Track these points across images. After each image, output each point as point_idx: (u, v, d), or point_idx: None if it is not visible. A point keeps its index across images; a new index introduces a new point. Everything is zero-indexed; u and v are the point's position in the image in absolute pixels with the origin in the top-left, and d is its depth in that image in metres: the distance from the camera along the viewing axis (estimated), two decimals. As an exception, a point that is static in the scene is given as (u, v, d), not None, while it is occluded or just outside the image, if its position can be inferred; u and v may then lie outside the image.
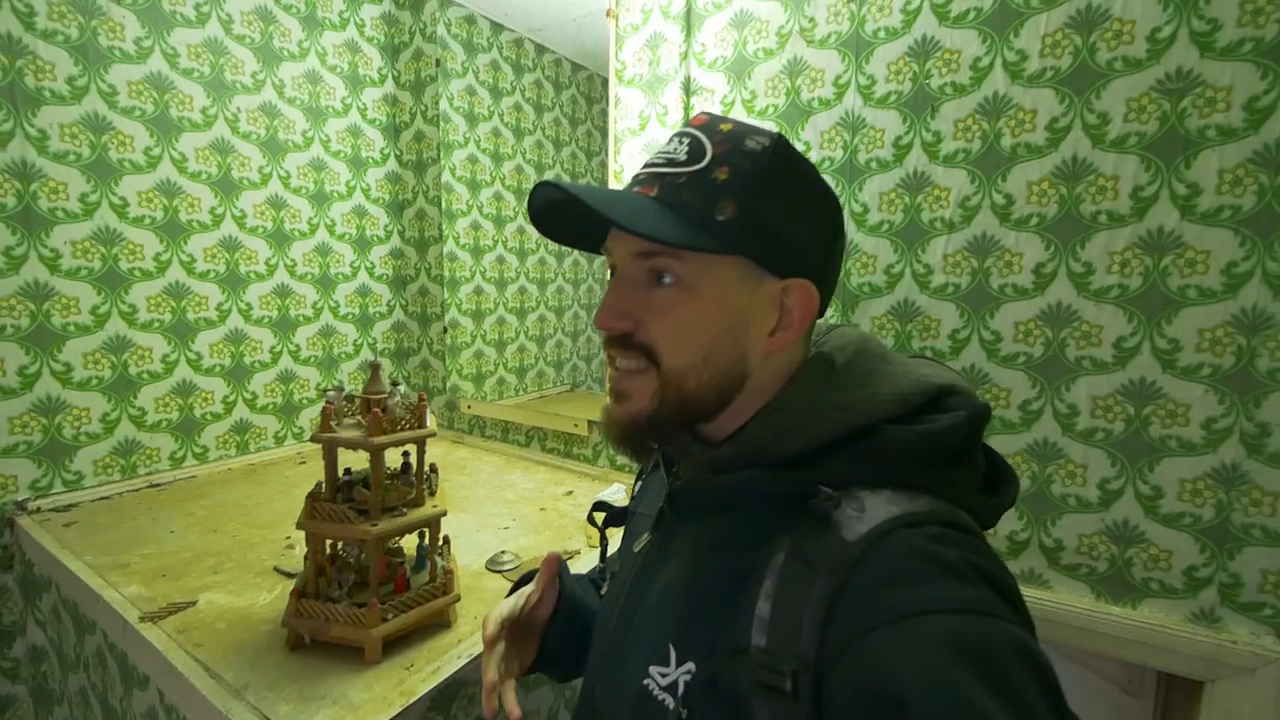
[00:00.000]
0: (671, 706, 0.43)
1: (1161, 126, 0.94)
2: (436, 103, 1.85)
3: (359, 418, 0.89)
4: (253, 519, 1.26)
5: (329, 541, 0.93)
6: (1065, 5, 0.98)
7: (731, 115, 1.31)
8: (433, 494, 0.95)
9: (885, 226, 1.17)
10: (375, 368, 0.90)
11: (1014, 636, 0.34)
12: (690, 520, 0.52)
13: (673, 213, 0.45)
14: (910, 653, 0.33)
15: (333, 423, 0.86)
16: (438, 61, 1.82)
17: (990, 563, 0.39)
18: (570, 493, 1.47)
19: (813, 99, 1.22)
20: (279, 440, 1.71)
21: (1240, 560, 0.94)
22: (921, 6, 1.10)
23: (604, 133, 2.21)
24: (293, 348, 1.73)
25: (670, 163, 0.47)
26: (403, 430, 0.87)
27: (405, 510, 0.88)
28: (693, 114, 1.36)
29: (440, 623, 0.91)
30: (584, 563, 1.11)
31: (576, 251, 2.17)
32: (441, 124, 1.85)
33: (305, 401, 1.77)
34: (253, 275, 1.63)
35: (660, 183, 0.47)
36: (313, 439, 0.85)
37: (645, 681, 0.46)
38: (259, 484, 1.47)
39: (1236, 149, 0.90)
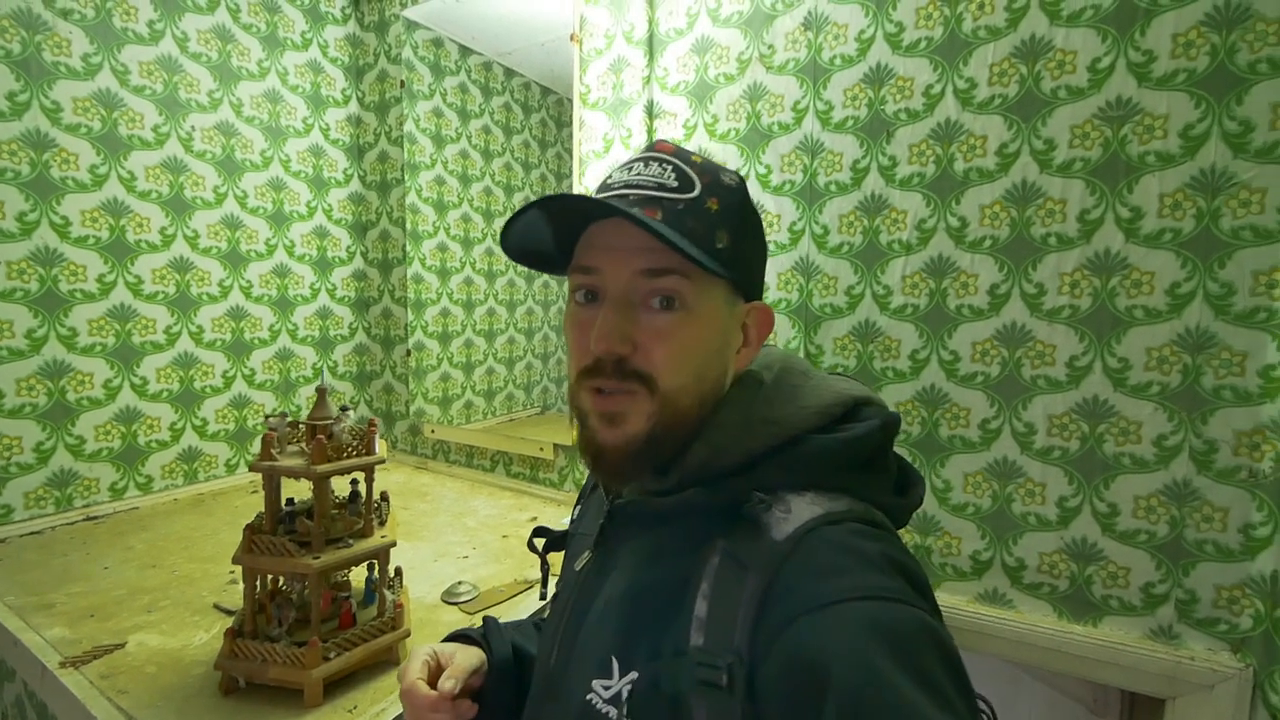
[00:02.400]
0: (614, 717, 0.44)
1: (1104, 152, 0.97)
2: (401, 124, 1.83)
3: (303, 445, 0.85)
4: (195, 552, 1.20)
5: (269, 576, 0.88)
6: (1010, 36, 1.02)
7: (694, 139, 1.33)
8: (382, 524, 0.91)
9: (845, 248, 1.18)
10: (321, 392, 0.87)
11: (923, 621, 0.38)
12: (629, 535, 0.54)
13: (682, 238, 0.45)
14: (833, 635, 0.37)
15: (274, 450, 0.82)
16: (402, 83, 1.81)
17: (904, 556, 0.43)
18: (534, 518, 1.43)
19: (773, 123, 1.23)
20: (230, 468, 1.64)
21: (1195, 576, 0.95)
22: (875, 35, 1.12)
23: (573, 155, 2.23)
24: (247, 372, 1.67)
25: (661, 187, 0.48)
26: (349, 457, 0.83)
27: (351, 541, 0.84)
28: (655, 137, 1.37)
29: (388, 660, 0.86)
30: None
31: (546, 274, 2.15)
32: (407, 145, 1.83)
33: (259, 428, 1.70)
34: (205, 297, 1.57)
35: (662, 207, 0.47)
36: (252, 468, 0.81)
37: (588, 697, 0.46)
38: (206, 515, 1.40)
39: (1175, 174, 0.93)
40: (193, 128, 1.52)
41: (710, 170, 0.50)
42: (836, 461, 0.47)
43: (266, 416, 0.84)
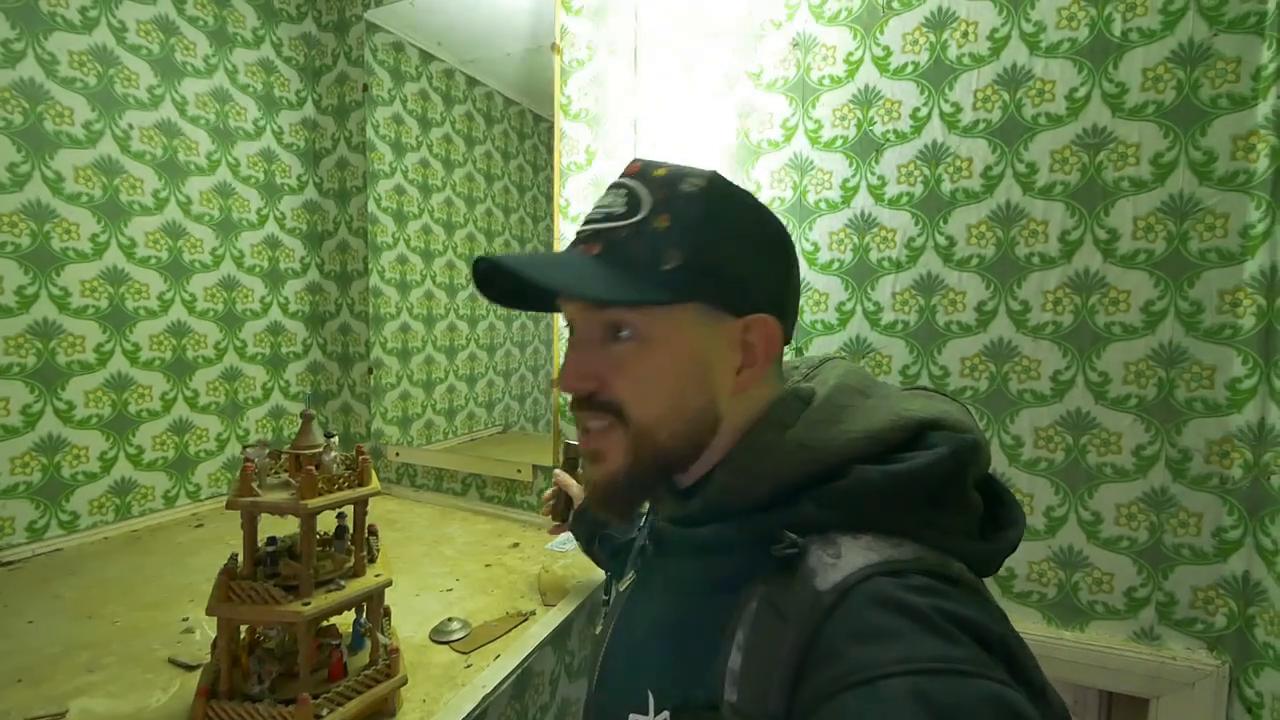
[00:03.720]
0: None
1: (1083, 177, 1.02)
2: (362, 129, 1.74)
3: (286, 476, 0.77)
4: (138, 599, 1.07)
5: (243, 627, 0.78)
6: (994, 64, 1.06)
7: (685, 164, 1.32)
8: (373, 560, 0.83)
9: (836, 265, 1.19)
10: (307, 419, 0.79)
11: (989, 694, 0.31)
12: (669, 558, 0.52)
13: (618, 269, 0.44)
14: (881, 717, 0.31)
15: (255, 484, 0.73)
16: (365, 86, 1.72)
17: (978, 613, 0.36)
18: (516, 544, 1.37)
19: (762, 140, 1.24)
20: (169, 500, 1.48)
21: (1173, 579, 1.00)
22: (863, 58, 1.15)
23: (536, 168, 2.18)
24: (189, 393, 1.52)
25: (609, 217, 0.47)
26: (341, 489, 0.76)
27: (343, 583, 0.76)
28: (639, 152, 1.35)
29: (384, 712, 0.78)
30: (541, 626, 1.02)
31: (509, 286, 2.09)
32: (368, 152, 1.74)
33: (203, 455, 1.55)
34: (142, 311, 1.42)
35: (601, 240, 0.46)
36: (230, 505, 0.72)
37: None
38: (145, 554, 1.25)
39: (1147, 199, 0.99)
40: (130, 125, 1.38)
41: (669, 182, 0.46)
42: (888, 499, 0.40)
43: (245, 446, 0.75)
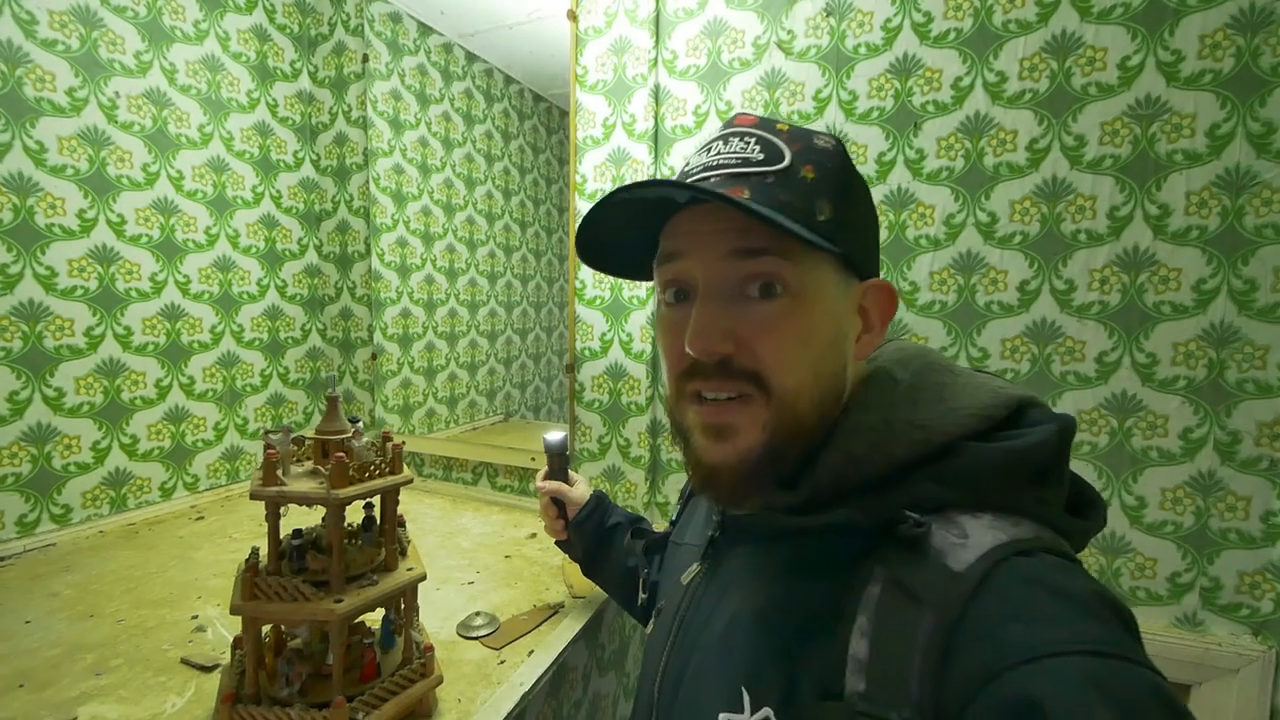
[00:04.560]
0: None
1: (1134, 150, 0.99)
2: (362, 104, 1.65)
3: (314, 463, 0.71)
4: (143, 595, 1.00)
5: (268, 626, 0.73)
6: (1041, 30, 1.02)
7: (705, 127, 1.26)
8: (404, 554, 0.78)
9: (871, 243, 1.15)
10: (333, 401, 0.73)
11: (1159, 688, 0.30)
12: (747, 548, 0.49)
13: (775, 210, 0.40)
14: (1057, 697, 0.29)
15: (279, 472, 0.68)
16: (365, 57, 1.64)
17: (1114, 596, 0.35)
18: (533, 535, 1.32)
19: (793, 112, 1.19)
20: (167, 493, 1.41)
21: (1219, 564, 0.98)
22: (902, 25, 1.10)
23: (536, 150, 2.11)
24: (184, 380, 1.45)
25: (746, 162, 0.43)
26: (372, 478, 0.70)
27: (376, 578, 0.71)
28: (664, 123, 1.29)
29: (419, 713, 0.74)
30: (572, 620, 0.97)
31: (510, 273, 2.04)
32: (367, 128, 1.65)
33: (200, 444, 1.48)
34: (134, 294, 1.34)
35: (748, 183, 0.42)
36: (254, 495, 0.66)
37: None
38: (146, 549, 1.18)
39: (1201, 173, 0.95)
40: (116, 93, 1.29)
41: (801, 136, 0.44)
42: (1005, 476, 0.40)
43: (266, 431, 0.69)
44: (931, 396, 0.44)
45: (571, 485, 0.92)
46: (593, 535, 0.88)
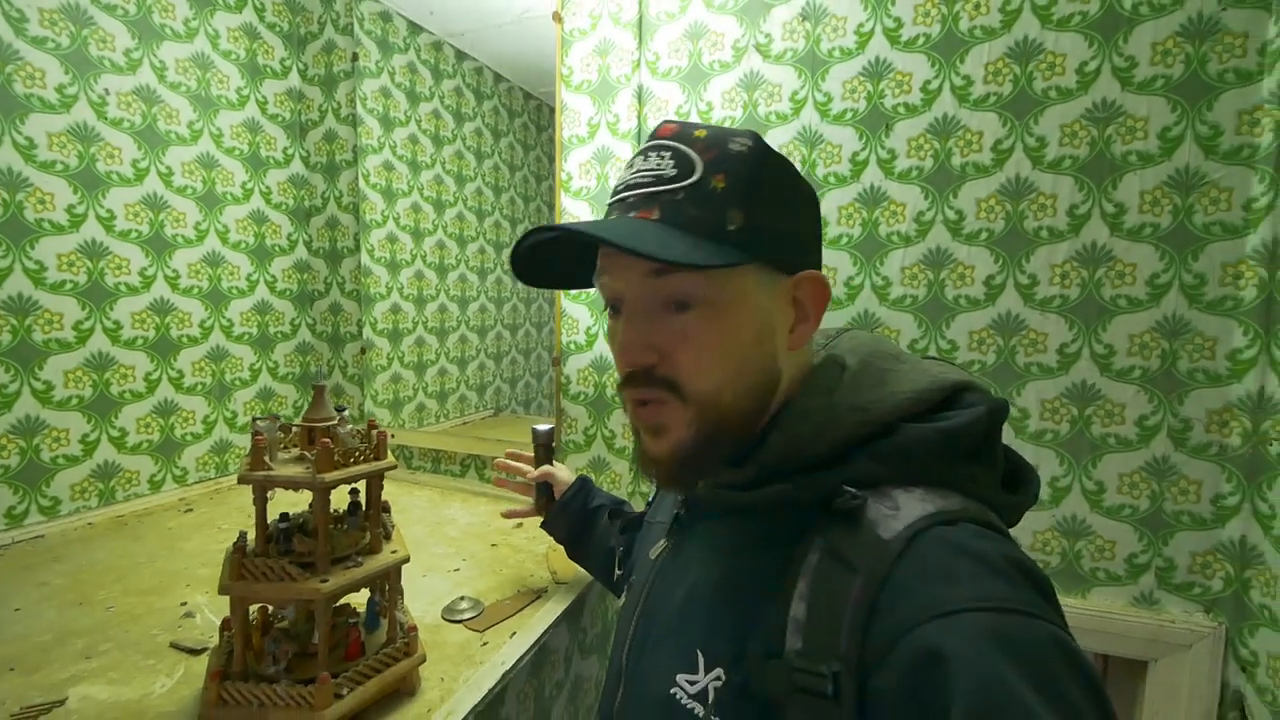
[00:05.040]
0: (701, 715, 0.42)
1: (1091, 151, 1.03)
2: (351, 101, 1.68)
3: (300, 450, 0.74)
4: (132, 584, 1.02)
5: (254, 606, 0.76)
6: (1005, 37, 1.06)
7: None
8: (388, 538, 0.81)
9: (845, 239, 1.19)
10: (320, 390, 0.76)
11: (1057, 637, 0.33)
12: (709, 521, 0.52)
13: (684, 233, 0.44)
14: (959, 647, 0.33)
15: (266, 458, 0.70)
16: (355, 55, 1.66)
17: (1028, 560, 0.39)
18: (520, 525, 1.35)
19: (770, 113, 1.23)
20: (156, 485, 1.43)
21: (1173, 545, 1.03)
22: (874, 30, 1.14)
23: (526, 146, 2.14)
24: (174, 374, 1.46)
25: (659, 180, 0.46)
26: (357, 463, 0.73)
27: (360, 559, 0.74)
28: (655, 125, 1.33)
29: (403, 690, 0.77)
30: (554, 603, 1.01)
31: (500, 268, 2.06)
32: (357, 125, 1.68)
33: (189, 438, 1.50)
34: (123, 288, 1.36)
35: (658, 202, 0.45)
36: (241, 479, 0.69)
37: (673, 690, 0.44)
38: (134, 539, 1.20)
39: (1154, 173, 1.00)
40: (106, 90, 1.31)
41: (716, 143, 0.46)
42: (937, 453, 0.42)
43: (254, 419, 0.72)
44: (874, 381, 0.47)
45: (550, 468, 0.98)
46: (577, 516, 0.93)
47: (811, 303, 0.48)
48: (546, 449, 0.99)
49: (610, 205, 0.49)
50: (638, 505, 1.40)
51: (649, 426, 0.48)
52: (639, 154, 0.48)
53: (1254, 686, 0.95)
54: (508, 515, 1.04)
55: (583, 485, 0.96)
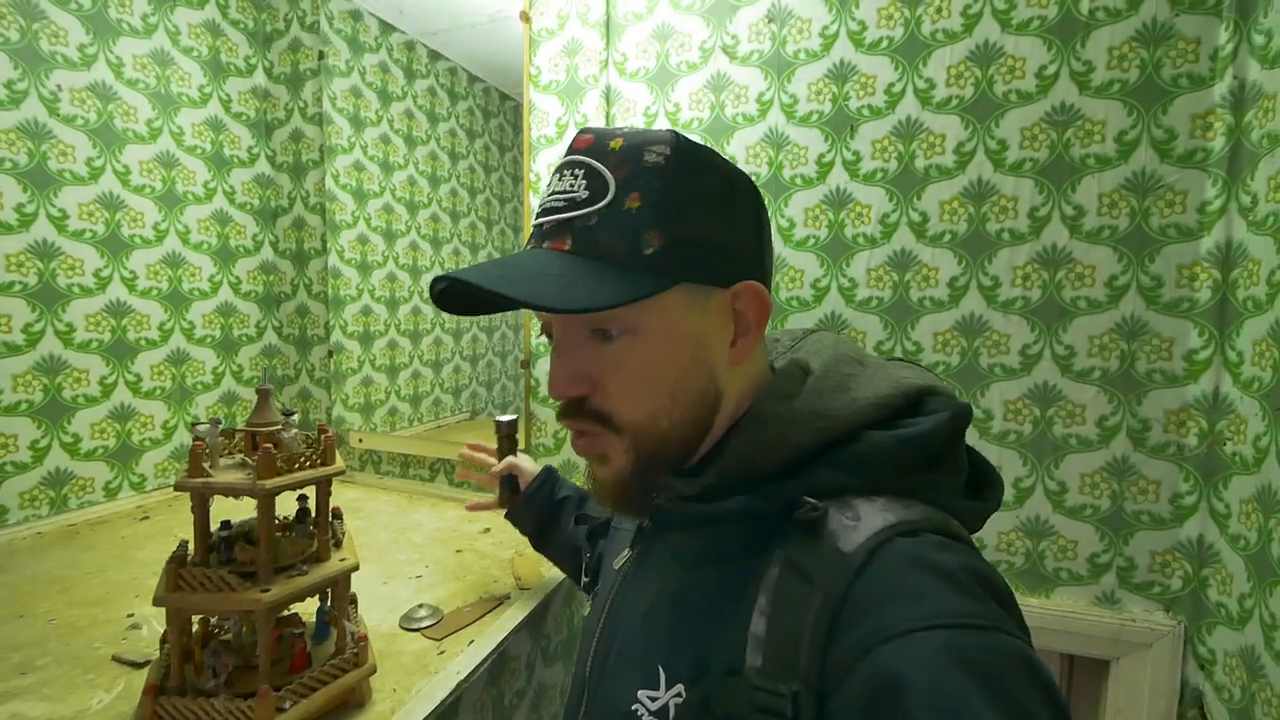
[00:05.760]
0: None
1: (1051, 154, 1.04)
2: (318, 100, 1.65)
3: (243, 455, 0.72)
4: (76, 595, 0.99)
5: (196, 618, 0.73)
6: (967, 40, 1.07)
7: (656, 128, 1.29)
8: (338, 545, 0.79)
9: (811, 241, 1.19)
10: (264, 394, 0.74)
11: (1016, 650, 0.33)
12: (672, 532, 0.50)
13: (596, 264, 0.42)
14: (915, 669, 0.32)
15: (205, 464, 0.68)
16: (321, 54, 1.63)
17: (988, 569, 0.38)
18: (488, 530, 1.33)
19: (737, 114, 1.22)
20: (111, 493, 1.39)
21: (1133, 544, 1.04)
22: (839, 32, 1.14)
23: (503, 148, 2.12)
24: (131, 378, 1.42)
25: (572, 204, 0.43)
26: (302, 469, 0.71)
27: (305, 568, 0.71)
28: (615, 124, 1.32)
29: (351, 702, 0.74)
30: (516, 610, 0.99)
31: (475, 270, 2.04)
32: (325, 124, 1.65)
33: (148, 443, 1.46)
34: (76, 289, 1.32)
35: (570, 232, 0.43)
36: (178, 486, 0.66)
37: (634, 706, 0.43)
38: (84, 549, 1.16)
39: (1111, 176, 1.01)
40: (59, 86, 1.27)
41: (630, 156, 0.43)
42: (898, 462, 0.41)
43: (194, 424, 0.70)
44: (836, 386, 0.45)
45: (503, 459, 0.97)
46: (542, 508, 0.92)
47: (752, 314, 0.46)
48: (510, 440, 0.98)
49: (532, 232, 0.46)
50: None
51: (592, 456, 0.48)
52: (555, 171, 0.45)
53: (1212, 684, 0.96)
54: (471, 508, 1.02)
55: (548, 476, 0.95)
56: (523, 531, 0.95)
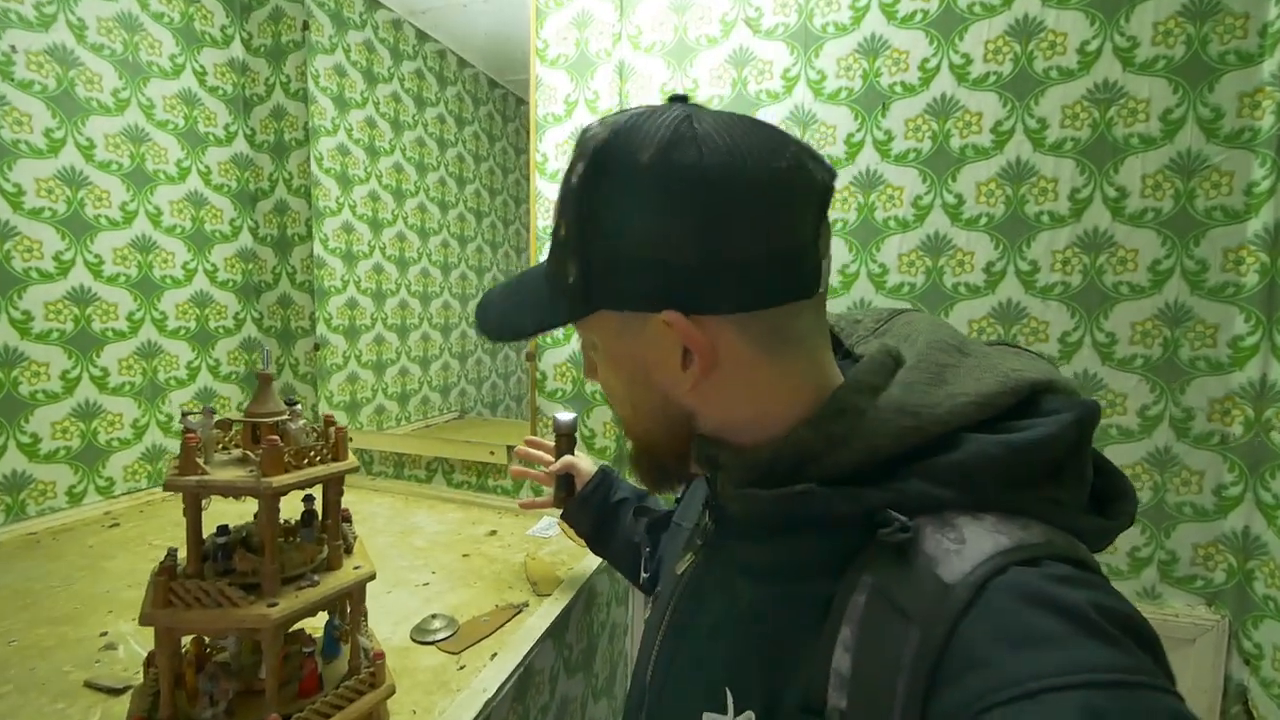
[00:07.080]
0: None
1: (1093, 133, 1.00)
2: (302, 74, 1.54)
3: (243, 450, 0.63)
4: (42, 612, 0.88)
5: (188, 638, 0.64)
6: (1005, 14, 1.02)
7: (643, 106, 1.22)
8: (349, 551, 0.70)
9: (840, 225, 1.13)
10: (264, 380, 0.65)
11: (1173, 713, 0.27)
12: (738, 538, 0.46)
13: (551, 286, 0.44)
14: None
15: (200, 459, 0.59)
16: (305, 24, 1.52)
17: (1126, 605, 0.31)
18: (493, 532, 1.24)
19: (760, 91, 1.16)
20: (75, 498, 1.26)
21: (1175, 538, 1.01)
22: (869, 4, 1.09)
23: (492, 137, 2.03)
24: (96, 372, 1.30)
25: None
26: (312, 465, 0.62)
27: (316, 578, 0.63)
28: (628, 102, 1.25)
29: (368, 729, 0.66)
30: (538, 619, 0.91)
31: (464, 264, 1.95)
32: (310, 103, 1.54)
33: (116, 444, 1.34)
34: (34, 274, 1.19)
35: (549, 257, 0.45)
36: (168, 485, 0.57)
37: None
38: (49, 560, 1.05)
39: (1155, 156, 0.98)
40: (12, 47, 1.15)
41: (566, 175, 0.40)
42: (1007, 473, 0.35)
43: (185, 413, 0.60)
44: (930, 379, 0.38)
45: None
46: (599, 510, 0.88)
47: (692, 345, 0.38)
48: (569, 439, 0.95)
49: None
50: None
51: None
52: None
53: (1258, 679, 0.93)
54: (525, 506, 1.00)
55: (605, 477, 0.91)
56: (579, 532, 0.92)
